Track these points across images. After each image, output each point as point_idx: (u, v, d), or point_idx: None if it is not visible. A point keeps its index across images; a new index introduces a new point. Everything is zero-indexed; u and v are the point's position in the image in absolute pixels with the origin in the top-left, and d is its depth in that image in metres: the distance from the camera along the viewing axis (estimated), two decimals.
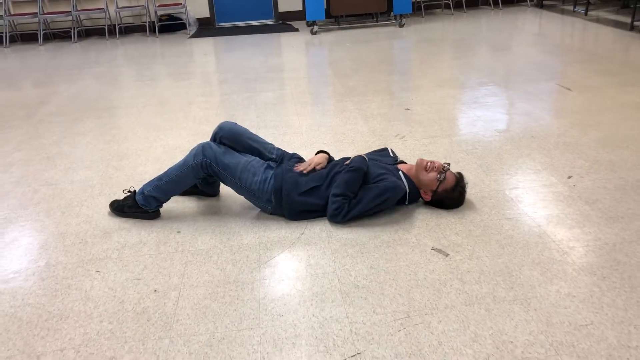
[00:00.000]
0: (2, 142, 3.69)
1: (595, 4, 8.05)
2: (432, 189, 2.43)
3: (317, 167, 2.49)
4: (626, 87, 4.07)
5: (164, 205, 2.59)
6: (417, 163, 2.48)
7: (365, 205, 2.34)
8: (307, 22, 7.37)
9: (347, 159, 2.63)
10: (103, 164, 3.22)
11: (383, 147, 2.78)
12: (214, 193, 2.73)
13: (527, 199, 2.51)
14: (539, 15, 7.55)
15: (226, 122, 2.58)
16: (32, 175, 3.11)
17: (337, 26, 7.82)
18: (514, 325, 1.72)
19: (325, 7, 7.26)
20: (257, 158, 2.51)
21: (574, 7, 7.75)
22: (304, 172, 2.45)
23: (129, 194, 2.56)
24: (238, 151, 2.52)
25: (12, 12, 7.92)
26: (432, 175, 2.42)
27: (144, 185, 2.52)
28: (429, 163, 2.43)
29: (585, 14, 7.30)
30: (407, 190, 2.44)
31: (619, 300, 1.80)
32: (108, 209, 2.63)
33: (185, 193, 2.74)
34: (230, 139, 2.53)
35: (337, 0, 7.15)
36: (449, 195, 2.43)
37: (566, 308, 1.78)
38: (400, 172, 2.47)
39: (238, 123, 2.65)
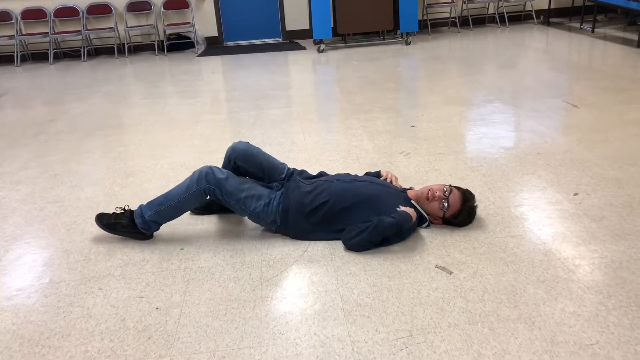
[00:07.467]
0: (11, 160, 3.73)
1: (602, 22, 8.05)
2: (440, 216, 2.43)
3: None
4: (633, 104, 4.05)
5: (166, 224, 2.56)
6: (417, 195, 2.46)
7: (372, 230, 2.25)
8: (315, 40, 7.42)
9: (347, 174, 2.62)
10: (109, 181, 3.23)
11: (377, 170, 2.75)
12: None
13: (533, 217, 2.49)
14: (545, 33, 7.56)
15: (240, 142, 2.57)
16: (39, 192, 3.13)
17: (344, 44, 7.87)
18: (518, 344, 1.69)
19: (332, 25, 7.31)
20: (261, 183, 2.51)
21: (581, 25, 7.75)
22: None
23: (123, 212, 2.49)
24: (244, 174, 2.53)
25: (24, 32, 8.05)
26: (435, 205, 2.39)
27: (144, 208, 2.46)
28: (429, 192, 2.39)
29: (592, 31, 7.30)
30: (419, 217, 2.41)
31: (625, 320, 1.77)
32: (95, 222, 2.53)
33: (206, 212, 2.72)
34: (244, 159, 2.53)
35: (344, 18, 7.21)
36: (457, 219, 2.42)
37: (571, 327, 1.75)
38: (412, 201, 2.44)
39: (243, 140, 2.64)
